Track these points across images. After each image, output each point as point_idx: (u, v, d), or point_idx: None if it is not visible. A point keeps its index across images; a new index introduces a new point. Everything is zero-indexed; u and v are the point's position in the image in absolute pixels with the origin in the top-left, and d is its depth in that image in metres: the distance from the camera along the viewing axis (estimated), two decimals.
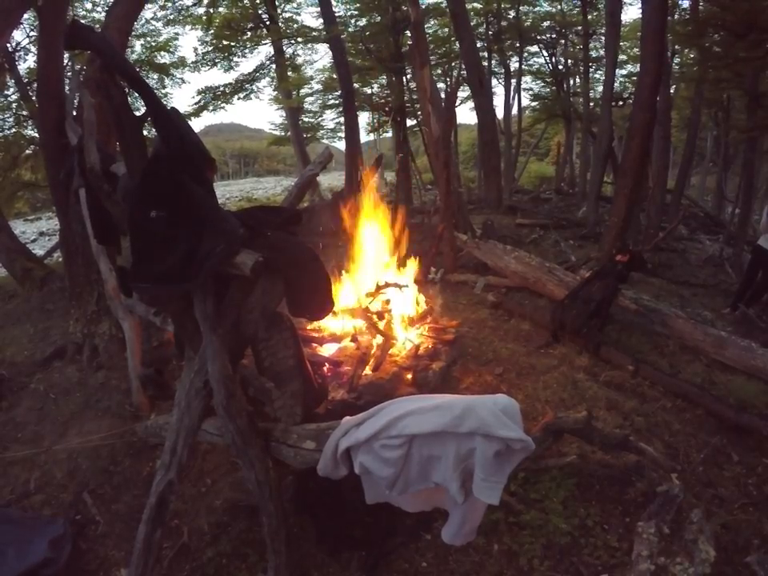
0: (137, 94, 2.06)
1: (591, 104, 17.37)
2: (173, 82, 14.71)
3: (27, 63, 10.33)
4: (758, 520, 2.91)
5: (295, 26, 15.42)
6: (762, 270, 6.33)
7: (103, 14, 11.08)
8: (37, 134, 9.00)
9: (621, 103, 15.91)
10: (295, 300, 2.21)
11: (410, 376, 3.57)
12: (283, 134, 19.87)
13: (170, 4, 13.68)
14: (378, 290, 4.03)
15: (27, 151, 9.93)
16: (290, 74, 15.97)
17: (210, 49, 15.52)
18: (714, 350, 4.78)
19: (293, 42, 15.87)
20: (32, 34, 9.76)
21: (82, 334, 4.87)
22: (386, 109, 14.61)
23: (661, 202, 11.16)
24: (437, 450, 1.75)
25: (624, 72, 18.71)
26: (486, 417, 1.65)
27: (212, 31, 15.18)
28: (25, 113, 9.85)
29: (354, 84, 13.28)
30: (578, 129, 19.47)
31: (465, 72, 13.81)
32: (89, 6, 11.83)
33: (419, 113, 14.09)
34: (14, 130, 10.32)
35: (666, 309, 5.37)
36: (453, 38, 14.93)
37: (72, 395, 4.34)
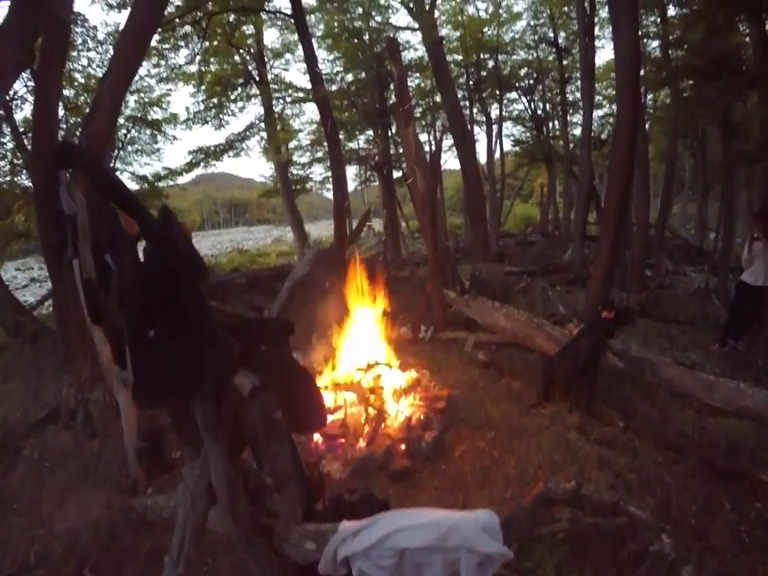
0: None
1: (571, 145, 17.94)
2: (165, 138, 15.24)
3: (24, 112, 10.26)
4: (750, 566, 2.91)
5: (283, 85, 16.13)
6: (748, 305, 6.40)
7: (99, 71, 11.30)
8: (30, 184, 8.97)
9: (600, 145, 16.42)
10: (287, 416, 2.30)
11: (403, 447, 3.63)
12: (273, 184, 20.35)
13: (163, 62, 14.15)
14: (368, 368, 4.13)
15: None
16: (278, 127, 16.51)
17: (202, 108, 16.21)
18: (704, 395, 4.82)
19: (281, 100, 16.56)
20: (29, 83, 9.50)
21: (76, 399, 4.80)
22: (372, 163, 14.98)
23: (644, 241, 11.39)
24: (427, 559, 1.95)
25: (600, 113, 19.43)
26: (468, 535, 1.89)
27: (203, 88, 15.82)
28: (20, 161, 9.86)
29: (341, 137, 13.67)
30: (560, 170, 19.98)
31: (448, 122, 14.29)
32: (84, 62, 11.86)
33: (405, 164, 14.48)
34: (8, 178, 10.38)
35: (654, 357, 5.41)
36: (435, 90, 15.47)
37: (68, 463, 4.25)
